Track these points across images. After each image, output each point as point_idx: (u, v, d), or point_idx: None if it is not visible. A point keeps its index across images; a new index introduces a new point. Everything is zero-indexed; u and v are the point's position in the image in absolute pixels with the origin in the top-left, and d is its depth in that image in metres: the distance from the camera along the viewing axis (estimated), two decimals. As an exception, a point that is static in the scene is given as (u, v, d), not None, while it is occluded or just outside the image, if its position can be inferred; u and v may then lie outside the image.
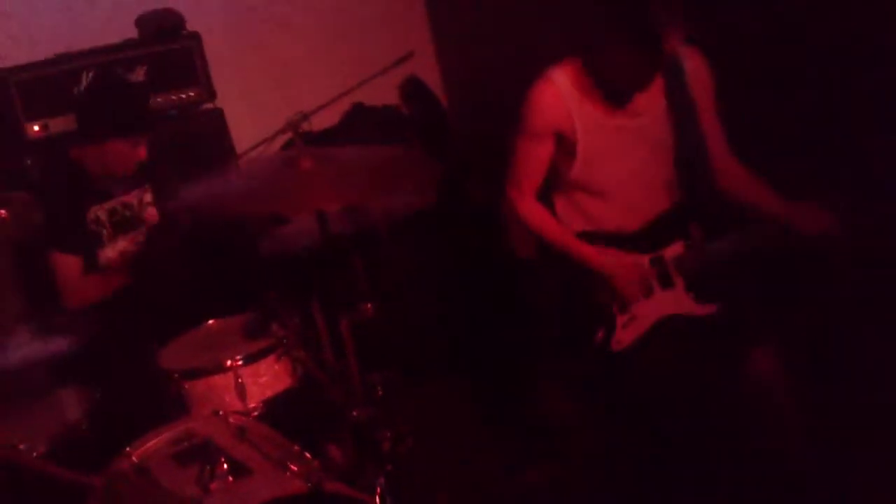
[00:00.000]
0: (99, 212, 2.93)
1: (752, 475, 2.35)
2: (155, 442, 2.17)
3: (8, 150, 3.31)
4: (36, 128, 3.24)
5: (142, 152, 2.86)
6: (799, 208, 2.30)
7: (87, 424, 2.37)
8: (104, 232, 2.94)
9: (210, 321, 2.76)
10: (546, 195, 2.55)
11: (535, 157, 2.44)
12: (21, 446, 2.23)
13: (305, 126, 3.62)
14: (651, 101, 2.34)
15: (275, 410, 2.51)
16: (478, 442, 3.09)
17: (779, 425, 2.32)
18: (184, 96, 3.60)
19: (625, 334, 2.42)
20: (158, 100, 3.51)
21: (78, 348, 2.60)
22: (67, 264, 2.85)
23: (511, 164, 2.48)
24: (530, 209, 2.49)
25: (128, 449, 2.14)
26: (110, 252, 2.95)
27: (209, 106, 3.70)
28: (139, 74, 3.48)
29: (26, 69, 3.29)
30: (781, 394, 2.29)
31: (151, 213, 3.07)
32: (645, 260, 2.44)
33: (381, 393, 2.81)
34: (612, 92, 2.31)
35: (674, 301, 2.44)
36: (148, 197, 3.06)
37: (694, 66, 2.36)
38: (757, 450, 2.34)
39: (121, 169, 2.90)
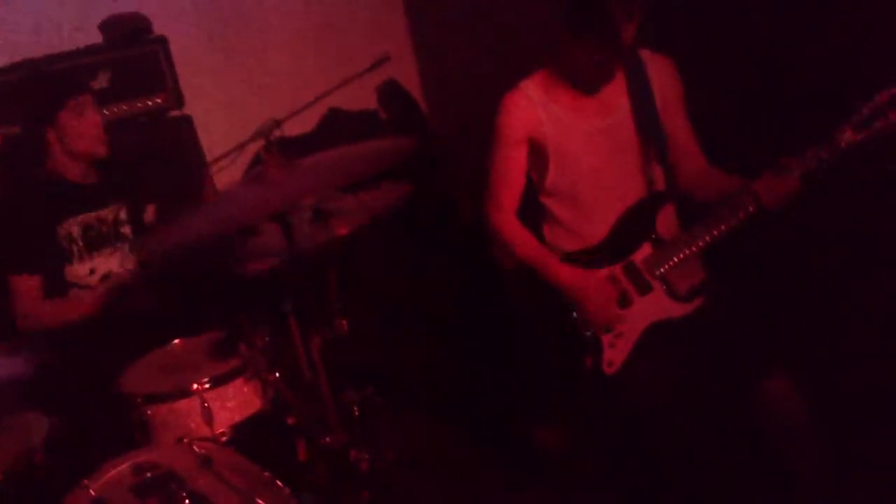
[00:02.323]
0: (72, 227, 2.81)
1: (760, 494, 2.32)
2: (114, 473, 2.06)
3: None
4: (-2, 136, 3.12)
5: (96, 117, 2.80)
6: (761, 182, 2.28)
7: (45, 452, 2.23)
8: (74, 248, 2.82)
9: (175, 341, 2.63)
10: (535, 225, 2.56)
11: (510, 167, 2.47)
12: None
13: (278, 133, 3.52)
14: (617, 102, 2.43)
15: (244, 436, 2.38)
16: (459, 465, 2.99)
17: (792, 446, 2.29)
18: (150, 103, 3.51)
19: (614, 354, 2.36)
20: (124, 107, 3.43)
21: (36, 370, 2.48)
22: (27, 287, 2.74)
23: (488, 178, 2.51)
24: (506, 224, 2.49)
25: (86, 481, 2.03)
26: (79, 269, 2.83)
27: (177, 113, 3.61)
28: (103, 80, 3.36)
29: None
30: (795, 415, 2.27)
31: (127, 230, 2.96)
32: (618, 269, 2.41)
33: (357, 413, 2.72)
34: (580, 81, 2.40)
35: (656, 306, 2.41)
36: (123, 214, 2.95)
37: (660, 72, 2.44)
38: (767, 468, 2.31)
39: (101, 146, 2.82)
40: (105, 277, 2.87)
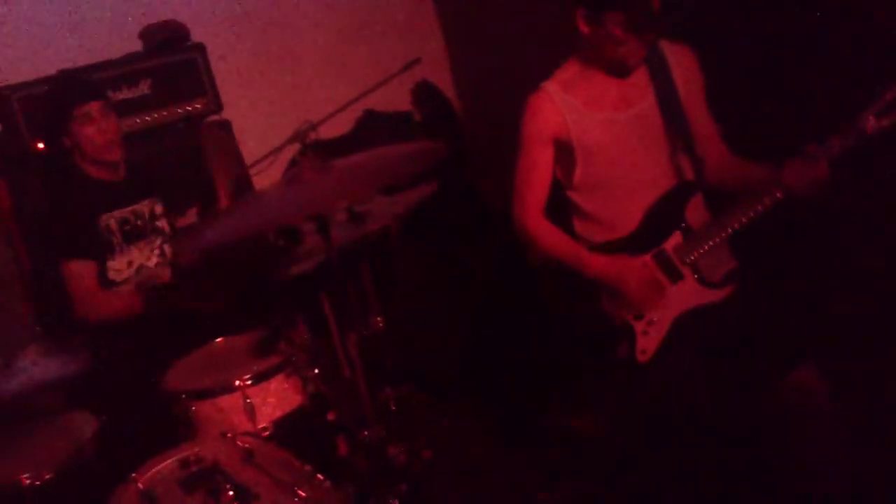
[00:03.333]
0: (110, 220, 2.92)
1: (789, 487, 2.29)
2: (161, 467, 2.12)
3: (17, 165, 3.29)
4: (41, 145, 3.20)
5: (115, 123, 2.90)
6: (789, 169, 2.28)
7: (94, 448, 2.32)
8: (114, 241, 2.92)
9: (218, 339, 2.70)
10: (564, 218, 2.57)
11: (536, 168, 2.49)
12: (25, 474, 2.18)
13: (313, 135, 3.57)
14: (640, 93, 2.44)
15: (285, 431, 2.44)
16: (494, 457, 3.01)
17: (817, 436, 2.28)
18: (190, 108, 3.57)
19: (647, 341, 2.38)
20: (164, 113, 3.50)
21: (85, 370, 2.57)
22: (82, 272, 2.83)
23: (515, 181, 2.52)
24: (536, 226, 2.50)
25: (134, 475, 2.09)
26: (118, 262, 2.93)
27: (216, 117, 3.67)
28: (144, 87, 3.45)
29: (29, 86, 3.27)
30: (820, 404, 2.26)
31: (164, 224, 3.06)
32: (648, 258, 2.43)
33: (394, 408, 2.77)
34: (599, 77, 2.43)
35: (687, 294, 2.42)
36: (159, 208, 3.05)
37: (681, 62, 2.45)
38: (795, 461, 2.29)
39: (118, 147, 2.91)
40: (139, 270, 2.97)
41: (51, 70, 3.37)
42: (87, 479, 2.26)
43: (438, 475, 2.75)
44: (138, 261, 2.98)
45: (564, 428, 2.87)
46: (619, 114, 2.43)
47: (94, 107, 2.87)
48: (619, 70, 2.40)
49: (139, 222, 2.98)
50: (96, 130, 2.85)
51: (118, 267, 2.93)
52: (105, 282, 2.91)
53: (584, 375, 2.58)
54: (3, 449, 2.34)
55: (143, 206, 3.01)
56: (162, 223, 3.05)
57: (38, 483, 2.20)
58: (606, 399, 2.54)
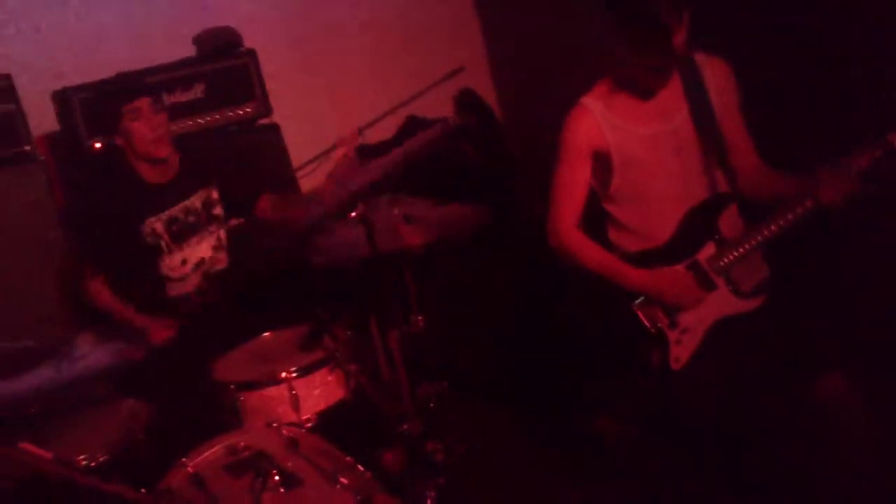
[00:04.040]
0: (155, 224, 2.99)
1: (818, 496, 2.32)
2: (210, 453, 2.21)
3: (73, 163, 3.41)
4: (98, 144, 3.32)
5: (164, 118, 2.98)
6: (819, 180, 2.31)
7: (146, 434, 2.43)
8: (162, 243, 3.00)
9: (265, 333, 2.79)
10: (599, 228, 2.61)
11: (574, 182, 2.52)
12: (81, 456, 2.29)
13: (360, 140, 3.66)
14: (675, 106, 2.47)
15: (327, 422, 2.53)
16: (527, 457, 3.07)
17: (848, 444, 2.29)
18: (241, 112, 3.68)
19: (681, 350, 2.41)
20: (216, 116, 3.61)
21: (139, 359, 2.68)
22: (100, 289, 2.97)
23: (552, 193, 2.55)
24: (572, 237, 2.53)
25: (184, 460, 2.18)
26: (171, 261, 3.02)
27: (266, 121, 3.77)
28: (197, 91, 3.56)
29: (88, 87, 3.38)
30: (851, 412, 2.27)
31: (219, 210, 3.11)
32: (682, 268, 2.46)
33: (432, 405, 2.83)
34: (638, 89, 2.46)
35: (720, 303, 2.44)
36: (215, 194, 3.10)
37: (715, 74, 2.47)
38: (824, 470, 2.31)
39: (166, 143, 2.98)
40: (198, 265, 3.05)
41: (110, 73, 3.47)
42: (140, 462, 2.36)
43: (472, 472, 2.81)
44: (195, 257, 3.05)
45: (594, 429, 2.92)
46: (655, 127, 2.47)
47: (143, 103, 2.93)
48: (644, 91, 2.45)
49: (191, 218, 3.04)
50: (145, 126, 2.92)
51: (172, 265, 3.01)
52: (159, 279, 3.01)
53: (614, 379, 2.62)
54: (62, 431, 2.45)
55: (197, 199, 3.06)
56: (218, 209, 3.11)
57: (93, 464, 2.30)
58: (636, 403, 2.58)
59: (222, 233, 3.13)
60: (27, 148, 3.24)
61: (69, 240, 3.14)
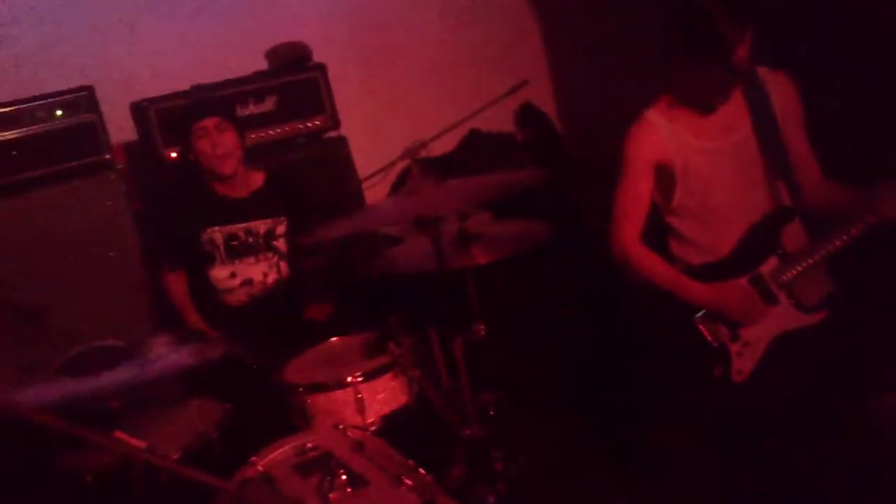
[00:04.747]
0: (215, 234, 3.13)
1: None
2: (279, 452, 2.28)
3: (149, 172, 3.56)
4: (174, 154, 3.45)
5: (230, 139, 3.08)
6: (881, 194, 2.32)
7: (217, 433, 2.51)
8: (216, 254, 3.14)
9: (333, 338, 2.87)
10: (661, 241, 2.63)
11: (637, 195, 2.54)
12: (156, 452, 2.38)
13: (423, 153, 3.74)
14: (739, 121, 2.48)
15: (391, 426, 2.59)
16: (585, 467, 3.09)
17: None
18: (310, 124, 3.78)
19: (743, 363, 2.43)
20: (287, 128, 3.72)
21: (210, 361, 2.78)
22: (173, 281, 3.20)
23: (615, 207, 2.57)
24: (635, 250, 2.54)
25: (254, 458, 2.25)
26: (220, 272, 3.16)
27: (334, 134, 3.87)
28: (269, 104, 3.68)
29: (165, 99, 3.52)
30: None
31: (281, 244, 3.21)
32: (744, 282, 2.47)
33: (492, 413, 2.88)
34: (700, 103, 2.47)
35: (783, 317, 2.46)
36: (281, 228, 3.21)
37: (779, 89, 2.48)
38: (886, 485, 2.30)
39: (232, 161, 3.10)
40: (245, 283, 3.17)
41: (185, 85, 3.62)
42: (211, 460, 2.44)
43: (530, 480, 2.85)
44: (244, 274, 3.16)
45: (652, 441, 2.94)
46: (718, 142, 2.48)
47: (209, 122, 3.06)
48: (706, 105, 2.47)
49: (250, 239, 3.16)
50: (209, 144, 3.05)
51: (219, 276, 3.16)
52: (208, 286, 3.16)
53: (674, 391, 2.64)
54: (140, 427, 2.55)
55: (261, 225, 3.17)
56: (280, 243, 3.20)
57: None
58: (695, 415, 2.59)
59: (284, 265, 3.21)
60: (107, 156, 3.37)
61: (145, 239, 3.30)
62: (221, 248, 3.14)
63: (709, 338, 2.44)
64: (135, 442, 1.47)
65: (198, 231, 3.13)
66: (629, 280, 2.62)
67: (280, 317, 3.14)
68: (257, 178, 3.23)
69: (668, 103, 2.53)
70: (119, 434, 1.49)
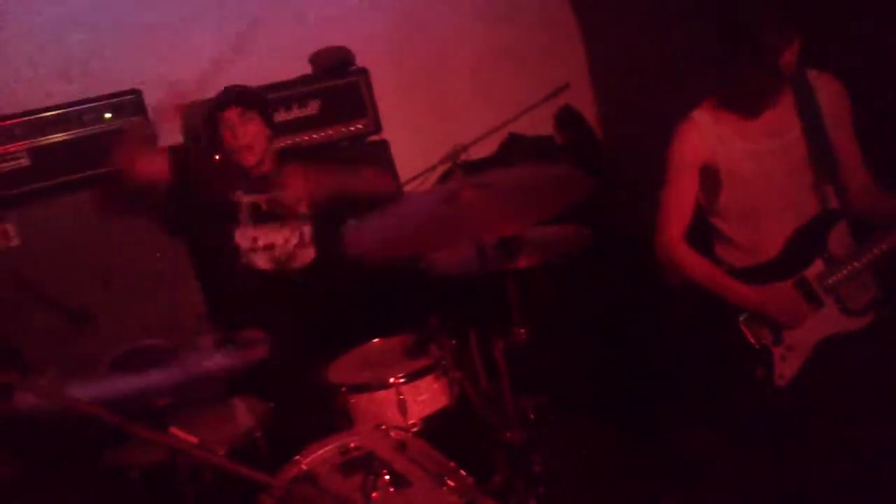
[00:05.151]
0: (242, 198, 3.20)
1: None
2: (323, 451, 2.31)
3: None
4: (217, 157, 3.43)
5: (254, 128, 3.13)
6: None
7: (261, 431, 2.56)
8: (241, 216, 3.21)
9: (375, 340, 2.90)
10: (705, 242, 2.62)
11: (683, 194, 2.55)
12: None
13: (463, 156, 3.76)
14: (787, 123, 2.47)
15: (432, 427, 2.61)
16: (624, 471, 3.08)
17: None
18: (352, 128, 3.82)
19: (786, 367, 2.42)
20: (330, 132, 3.76)
21: (260, 360, 2.82)
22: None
23: (660, 206, 2.58)
24: (680, 250, 2.55)
25: (297, 457, 2.28)
26: (244, 234, 3.22)
27: (375, 137, 3.90)
28: (313, 108, 3.72)
29: (208, 103, 3.49)
30: None
31: (304, 207, 3.25)
32: (789, 284, 2.46)
33: (532, 417, 2.89)
34: (746, 106, 2.46)
35: (828, 321, 2.45)
36: (304, 208, 3.25)
37: (828, 91, 2.47)
38: None
39: (254, 151, 3.15)
40: (268, 248, 3.22)
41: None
42: (256, 457, 2.49)
43: (570, 483, 2.85)
44: (266, 240, 3.21)
45: (693, 444, 2.93)
46: (766, 144, 2.48)
47: (232, 113, 3.13)
48: (752, 108, 2.46)
49: (276, 209, 3.21)
50: (231, 135, 3.12)
51: (242, 236, 3.21)
52: (233, 247, 3.21)
53: (715, 394, 2.63)
54: (184, 425, 2.60)
55: (286, 196, 3.21)
56: (303, 206, 3.24)
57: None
58: (737, 419, 2.58)
59: (307, 228, 3.25)
60: (155, 159, 3.44)
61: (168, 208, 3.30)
62: (245, 212, 3.21)
63: (752, 340, 2.44)
64: (188, 437, 1.50)
65: (227, 193, 3.20)
66: (670, 282, 2.62)
67: (304, 288, 3.19)
68: (274, 164, 3.29)
69: (715, 104, 2.53)
70: (173, 430, 1.52)
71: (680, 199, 2.55)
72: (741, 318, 2.45)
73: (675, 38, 4.01)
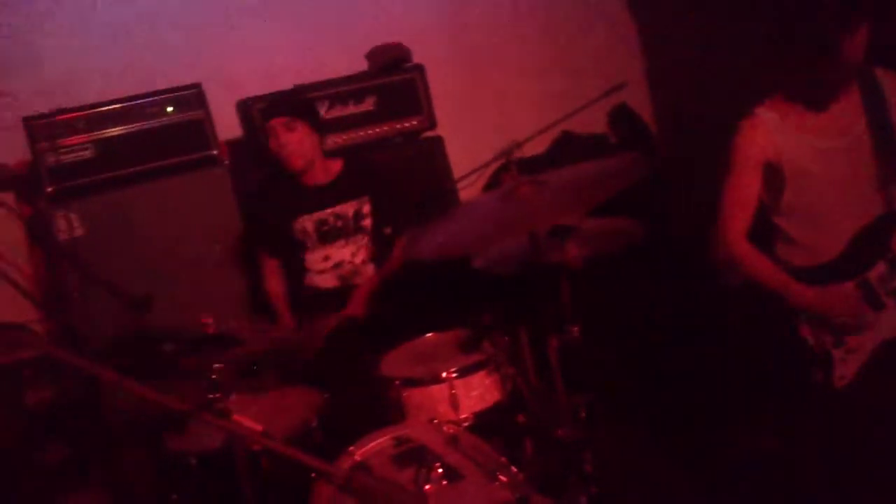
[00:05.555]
0: (306, 222, 3.26)
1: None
2: (376, 443, 2.32)
3: (252, 169, 3.67)
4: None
5: (298, 136, 3.18)
6: None
7: (316, 421, 2.58)
8: (308, 241, 3.27)
9: (428, 334, 2.92)
10: (766, 242, 2.59)
11: (745, 191, 2.51)
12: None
13: (518, 153, 3.77)
14: (853, 121, 2.44)
15: (483, 423, 2.61)
16: (675, 473, 3.06)
17: None
18: (407, 124, 3.86)
19: (846, 368, 2.39)
20: (385, 128, 3.80)
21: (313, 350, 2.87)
22: (268, 265, 3.35)
23: (722, 203, 2.54)
24: (742, 248, 2.52)
25: (351, 448, 2.30)
26: (314, 256, 3.28)
27: (430, 133, 3.93)
28: (369, 104, 3.76)
29: (268, 98, 3.63)
30: None
31: (367, 223, 3.32)
32: (850, 286, 2.43)
33: (584, 415, 2.88)
34: (811, 102, 2.43)
35: (889, 323, 2.42)
36: (366, 208, 3.32)
37: (894, 88, 2.43)
38: None
39: (299, 158, 3.21)
40: (337, 265, 3.28)
41: (288, 85, 3.74)
42: (310, 447, 2.50)
43: (620, 483, 2.84)
44: (336, 257, 3.28)
45: (747, 447, 2.90)
46: (830, 141, 2.44)
47: (277, 122, 3.19)
48: (817, 104, 2.44)
49: (339, 223, 3.27)
50: (276, 144, 3.19)
51: (313, 259, 3.28)
52: (301, 270, 3.29)
53: (771, 395, 2.60)
54: (245, 413, 2.65)
55: (349, 207, 3.29)
56: (366, 222, 3.31)
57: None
58: (793, 420, 2.56)
59: (369, 243, 3.31)
60: (214, 152, 3.51)
61: (244, 231, 3.45)
62: (313, 235, 3.26)
63: (811, 341, 2.41)
64: (252, 425, 1.53)
65: (290, 220, 3.26)
66: (728, 282, 2.60)
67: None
68: (336, 166, 3.35)
69: (780, 100, 2.49)
70: (238, 417, 1.55)
71: (743, 197, 2.51)
72: (801, 320, 2.42)
73: (732, 36, 3.97)
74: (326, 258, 3.28)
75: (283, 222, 3.26)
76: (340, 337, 3.03)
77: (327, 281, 3.29)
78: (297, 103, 3.35)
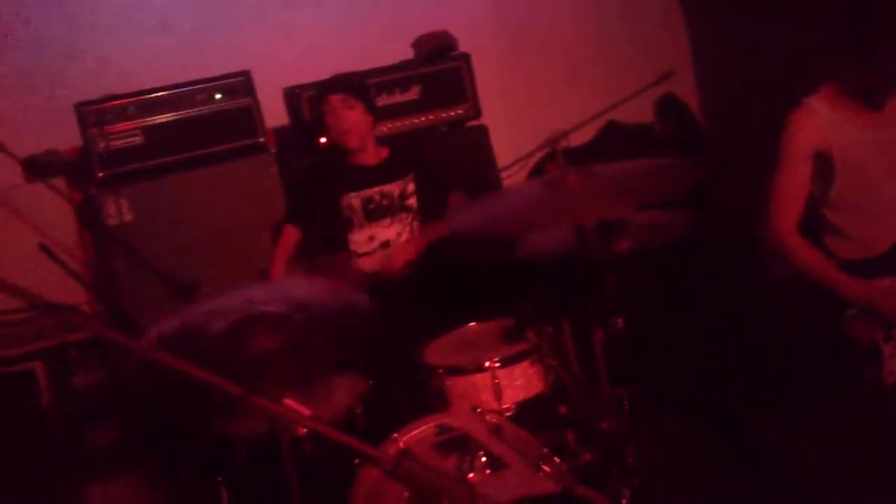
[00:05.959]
0: (353, 200, 3.27)
1: None
2: (419, 431, 2.33)
3: (299, 156, 3.69)
4: (323, 139, 3.56)
5: (356, 115, 3.20)
6: None
7: (360, 407, 2.60)
8: (355, 218, 3.28)
9: (472, 323, 2.93)
10: (814, 234, 2.57)
11: (795, 183, 2.50)
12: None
13: (563, 143, 3.75)
14: None
15: (526, 413, 2.61)
16: (718, 468, 3.04)
17: None
18: (452, 113, 3.86)
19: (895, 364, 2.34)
20: (430, 116, 3.80)
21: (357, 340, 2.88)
22: (289, 233, 3.33)
23: (771, 196, 2.54)
24: (792, 240, 2.51)
25: (395, 435, 2.31)
26: (359, 236, 3.29)
27: (475, 122, 3.92)
28: (414, 92, 3.76)
29: (315, 86, 3.61)
30: None
31: (413, 202, 3.33)
32: None
33: (627, 408, 2.87)
34: (864, 96, 2.42)
35: None
36: (411, 187, 3.33)
37: None
38: None
39: (355, 135, 3.22)
40: (384, 245, 3.29)
41: (333, 72, 3.73)
42: (354, 433, 2.53)
43: (663, 477, 2.82)
44: (382, 237, 3.29)
45: (790, 443, 2.87)
46: (883, 134, 2.43)
47: (335, 99, 3.21)
48: (872, 97, 2.41)
49: (385, 202, 3.29)
50: (334, 120, 3.21)
51: (358, 240, 3.29)
52: (345, 250, 3.28)
53: (818, 391, 2.57)
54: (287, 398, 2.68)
55: (395, 186, 3.30)
56: (411, 202, 3.32)
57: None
58: (841, 417, 2.52)
59: (416, 224, 3.33)
60: (261, 139, 3.55)
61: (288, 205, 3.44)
62: (360, 212, 3.28)
63: (860, 336, 2.37)
64: (302, 409, 1.55)
65: (338, 197, 3.28)
66: (776, 274, 2.57)
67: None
68: (383, 151, 3.37)
69: (832, 92, 2.48)
70: (288, 400, 1.57)
71: (793, 188, 2.50)
72: (850, 313, 2.38)
73: (781, 27, 3.92)
74: (372, 238, 3.29)
75: (331, 198, 3.28)
76: (386, 326, 3.03)
77: (369, 265, 3.30)
78: (355, 84, 3.37)
